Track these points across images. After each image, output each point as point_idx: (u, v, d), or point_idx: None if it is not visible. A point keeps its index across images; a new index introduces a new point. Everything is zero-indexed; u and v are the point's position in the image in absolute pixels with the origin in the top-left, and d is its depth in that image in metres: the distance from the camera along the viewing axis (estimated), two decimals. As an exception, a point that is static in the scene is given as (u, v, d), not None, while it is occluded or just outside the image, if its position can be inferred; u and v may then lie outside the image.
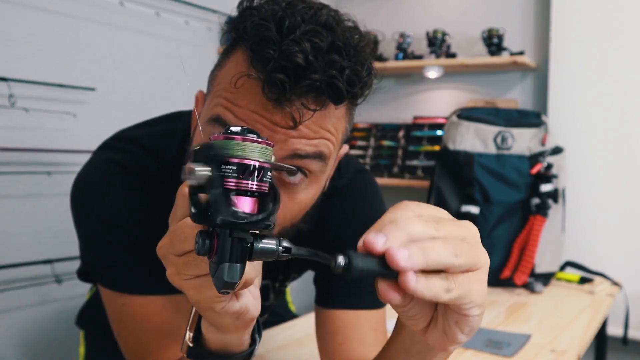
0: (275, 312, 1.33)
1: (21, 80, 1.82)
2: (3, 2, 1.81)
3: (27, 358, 1.93)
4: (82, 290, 1.50)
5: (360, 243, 0.41)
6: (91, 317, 1.14)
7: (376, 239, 0.40)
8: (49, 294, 1.97)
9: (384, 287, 0.41)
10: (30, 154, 1.89)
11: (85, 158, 0.88)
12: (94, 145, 0.89)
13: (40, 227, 1.94)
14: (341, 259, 0.40)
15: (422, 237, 0.41)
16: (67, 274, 1.93)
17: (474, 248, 0.44)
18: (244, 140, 0.40)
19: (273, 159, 0.43)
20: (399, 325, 0.58)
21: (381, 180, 2.81)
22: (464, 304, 0.43)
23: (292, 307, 1.49)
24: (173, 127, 0.86)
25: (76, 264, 0.97)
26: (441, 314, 0.46)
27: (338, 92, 0.61)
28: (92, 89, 2.05)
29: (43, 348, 1.96)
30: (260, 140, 0.41)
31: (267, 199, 0.42)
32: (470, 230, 0.45)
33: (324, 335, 0.89)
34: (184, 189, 0.47)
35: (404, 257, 0.39)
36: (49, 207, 1.95)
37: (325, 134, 0.65)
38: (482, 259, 0.44)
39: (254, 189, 0.40)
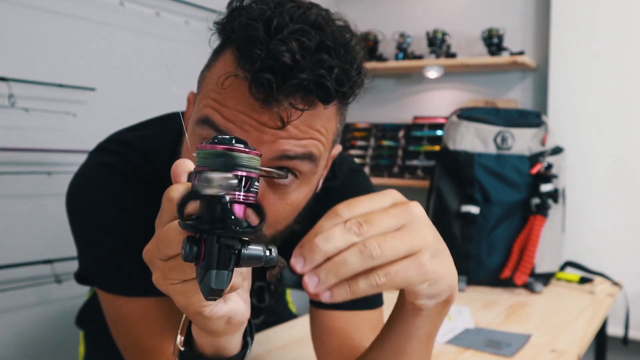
0: (274, 312, 1.33)
1: (21, 80, 1.82)
2: (3, 2, 1.81)
3: (27, 358, 1.93)
4: (82, 291, 1.50)
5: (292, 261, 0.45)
6: (91, 317, 1.14)
7: (296, 262, 0.44)
8: (49, 294, 1.97)
9: (314, 296, 0.46)
10: (30, 154, 1.89)
11: (85, 158, 0.88)
12: (94, 145, 0.89)
13: (40, 227, 1.94)
14: (276, 271, 0.45)
15: (338, 250, 0.44)
16: (67, 274, 1.93)
17: (408, 235, 0.46)
18: (230, 150, 0.40)
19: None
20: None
21: (381, 180, 2.81)
22: (406, 286, 0.47)
23: (292, 307, 1.49)
24: (165, 129, 0.86)
25: (76, 264, 0.97)
26: None
27: (326, 91, 0.61)
28: (92, 89, 2.05)
29: (43, 348, 1.96)
30: (247, 150, 0.41)
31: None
32: (409, 214, 0.47)
33: (322, 336, 0.89)
34: (169, 193, 0.46)
35: (312, 284, 0.44)
36: (49, 207, 1.95)
37: (314, 134, 0.65)
38: (418, 243, 0.47)
39: (241, 199, 0.41)
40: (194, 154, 0.41)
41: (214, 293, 0.41)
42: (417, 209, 0.48)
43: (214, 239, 0.40)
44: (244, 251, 0.42)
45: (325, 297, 0.44)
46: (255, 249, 0.42)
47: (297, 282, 0.45)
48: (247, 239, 0.42)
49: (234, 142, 0.40)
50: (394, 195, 0.49)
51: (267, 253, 0.43)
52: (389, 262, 0.45)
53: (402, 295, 0.59)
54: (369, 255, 0.44)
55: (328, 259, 0.44)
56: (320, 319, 0.89)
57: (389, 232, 0.46)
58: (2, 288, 1.81)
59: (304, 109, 0.61)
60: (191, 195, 0.40)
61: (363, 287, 0.45)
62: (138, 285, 0.77)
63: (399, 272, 0.45)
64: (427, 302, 0.52)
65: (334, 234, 0.45)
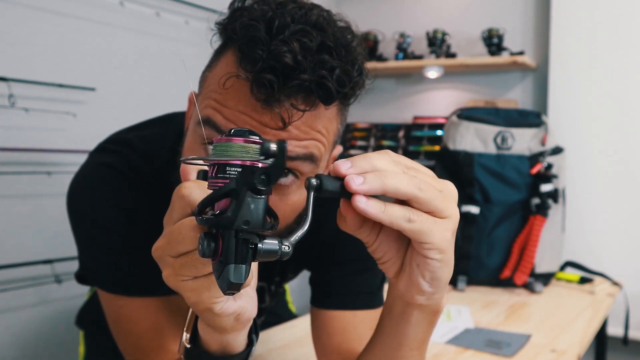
0: (274, 312, 1.33)
1: (21, 80, 1.82)
2: (3, 2, 1.81)
3: (27, 358, 1.93)
4: (81, 290, 1.50)
5: (330, 167, 0.45)
6: (91, 317, 1.14)
7: (342, 163, 0.44)
8: (49, 294, 1.97)
9: (344, 207, 0.45)
10: (30, 154, 1.89)
11: (85, 158, 0.88)
12: (94, 145, 0.89)
13: (40, 227, 1.94)
14: (314, 180, 0.43)
15: (386, 170, 0.45)
16: (67, 274, 1.93)
17: (445, 198, 0.47)
18: (247, 142, 0.41)
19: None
20: (388, 290, 0.61)
21: (381, 180, 2.81)
22: (424, 242, 0.47)
23: (292, 307, 1.49)
24: (166, 129, 0.86)
25: (76, 264, 0.97)
26: (407, 259, 0.51)
27: (328, 92, 0.61)
28: (92, 89, 2.05)
29: (43, 348, 1.96)
30: (257, 140, 0.41)
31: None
32: (448, 186, 0.49)
33: (322, 336, 0.89)
34: (181, 191, 0.47)
35: (357, 182, 0.43)
36: (49, 207, 1.95)
37: (315, 135, 0.65)
38: (451, 212, 0.48)
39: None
40: (211, 147, 0.42)
41: (233, 287, 0.41)
42: (453, 188, 0.50)
43: (232, 234, 0.41)
44: (261, 245, 0.42)
45: (362, 202, 0.44)
46: (271, 243, 0.43)
47: (337, 187, 0.44)
48: (263, 233, 0.43)
49: (248, 134, 0.41)
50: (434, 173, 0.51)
51: (282, 247, 0.43)
52: (424, 210, 0.46)
53: (390, 300, 0.60)
54: (417, 185, 0.45)
55: None
56: (321, 319, 0.89)
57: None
58: (2, 288, 1.81)
59: (305, 110, 0.61)
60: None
61: (396, 214, 0.45)
62: (138, 285, 0.77)
63: (428, 223, 0.46)
64: (425, 285, 0.51)
65: (384, 158, 0.46)
